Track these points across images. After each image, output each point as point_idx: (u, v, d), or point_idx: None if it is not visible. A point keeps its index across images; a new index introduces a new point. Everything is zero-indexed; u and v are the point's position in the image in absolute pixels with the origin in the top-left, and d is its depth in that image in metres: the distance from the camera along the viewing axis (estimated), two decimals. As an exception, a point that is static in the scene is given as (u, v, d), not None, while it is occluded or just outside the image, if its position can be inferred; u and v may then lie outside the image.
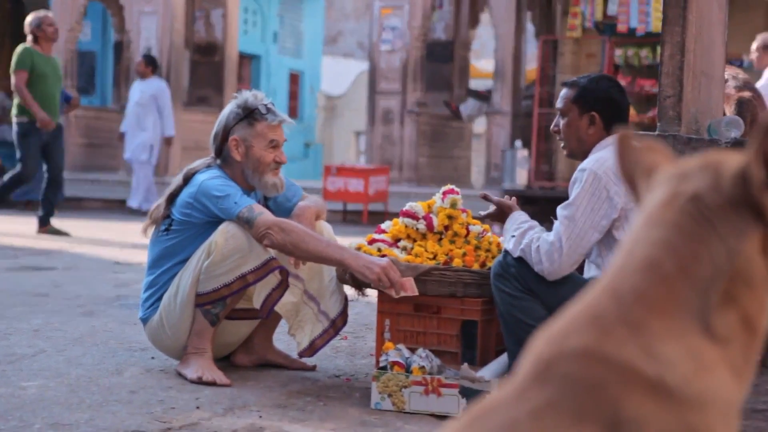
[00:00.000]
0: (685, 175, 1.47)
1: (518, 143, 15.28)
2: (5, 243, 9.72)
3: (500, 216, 4.28)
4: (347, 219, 15.12)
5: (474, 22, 18.64)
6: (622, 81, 15.01)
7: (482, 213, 4.37)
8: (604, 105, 4.17)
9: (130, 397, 3.96)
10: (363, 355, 4.99)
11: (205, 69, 18.64)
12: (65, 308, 5.99)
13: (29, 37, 10.24)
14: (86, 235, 10.82)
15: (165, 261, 4.39)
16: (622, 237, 3.88)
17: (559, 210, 4.01)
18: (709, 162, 1.47)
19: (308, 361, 4.63)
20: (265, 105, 4.43)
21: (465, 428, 1.37)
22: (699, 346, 1.38)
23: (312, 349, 4.46)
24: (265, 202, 4.58)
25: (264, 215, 4.17)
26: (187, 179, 4.39)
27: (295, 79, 27.20)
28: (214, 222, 4.26)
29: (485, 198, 4.32)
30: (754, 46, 9.76)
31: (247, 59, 24.81)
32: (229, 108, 4.45)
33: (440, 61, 18.14)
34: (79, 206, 15.97)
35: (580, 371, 1.36)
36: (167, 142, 15.03)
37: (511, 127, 16.05)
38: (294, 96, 27.23)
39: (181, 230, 4.35)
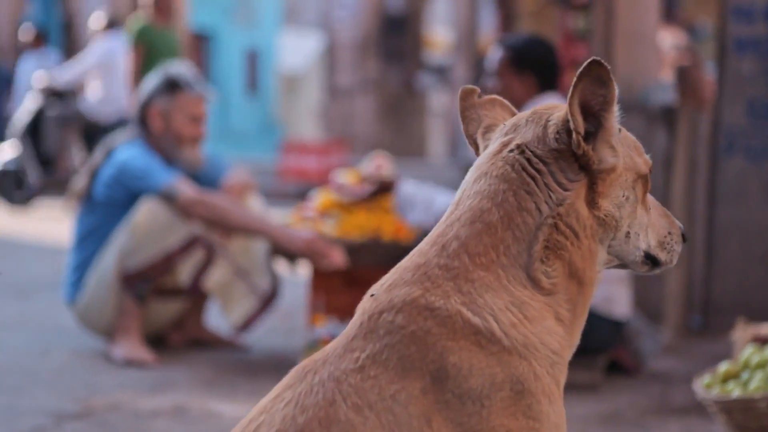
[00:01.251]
0: (515, 127, 1.50)
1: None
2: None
3: (383, 192, 4.25)
4: (305, 196, 15.07)
5: (430, -7, 18.63)
6: (580, 49, 15.04)
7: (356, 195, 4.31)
8: (538, 65, 4.16)
9: (54, 379, 3.94)
10: (298, 333, 4.99)
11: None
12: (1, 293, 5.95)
13: (143, 11, 9.57)
14: (31, 219, 10.73)
15: (89, 240, 4.37)
16: None
17: None
18: (538, 113, 1.49)
19: (243, 339, 4.62)
20: (189, 77, 4.41)
21: (296, 381, 1.40)
22: (523, 296, 1.42)
23: (245, 325, 4.45)
24: (194, 176, 4.55)
25: (186, 190, 4.16)
26: (108, 154, 4.36)
27: (251, 55, 27.05)
28: (137, 199, 4.24)
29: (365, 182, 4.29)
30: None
31: (201, 37, 24.63)
32: (153, 79, 4.43)
33: (396, 35, 18.12)
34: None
35: (404, 323, 1.39)
36: None
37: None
38: (251, 73, 27.08)
39: (104, 208, 4.32)
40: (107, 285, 4.27)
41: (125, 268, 4.22)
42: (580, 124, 1.44)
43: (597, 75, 1.44)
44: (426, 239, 1.49)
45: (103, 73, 10.92)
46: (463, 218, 1.46)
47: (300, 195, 14.90)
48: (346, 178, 4.47)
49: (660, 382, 4.07)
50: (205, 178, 4.56)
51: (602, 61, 1.44)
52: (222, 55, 25.29)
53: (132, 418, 3.50)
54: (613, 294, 3.86)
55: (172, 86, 4.36)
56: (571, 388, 3.78)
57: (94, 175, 4.38)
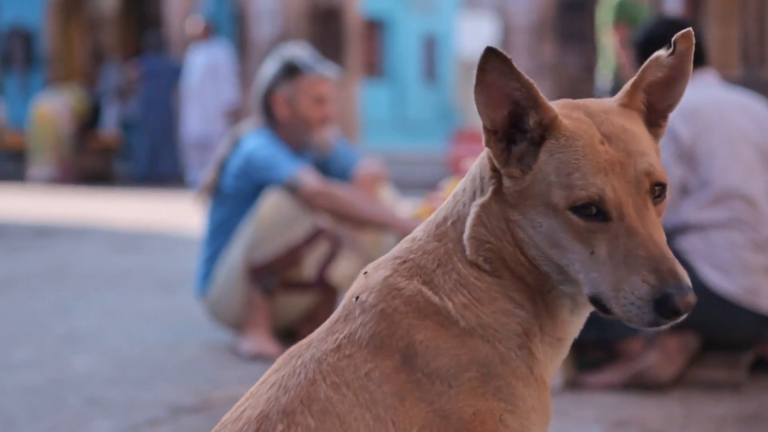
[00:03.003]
0: None
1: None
2: (108, 222, 10.06)
3: None
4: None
5: (611, -29, 18.30)
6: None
7: None
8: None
9: (178, 372, 4.08)
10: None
11: (328, 36, 18.80)
12: (145, 286, 6.20)
13: None
14: (194, 212, 11.09)
15: (219, 234, 4.49)
16: (688, 184, 3.77)
17: None
18: None
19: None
20: (308, 59, 4.47)
21: (281, 366, 1.50)
22: (470, 276, 1.46)
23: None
24: (324, 167, 4.62)
25: (310, 181, 4.23)
26: (234, 145, 4.47)
27: (429, 42, 27.19)
28: (264, 190, 4.33)
29: None
30: None
31: (376, 24, 24.94)
32: (271, 66, 4.51)
33: (577, 15, 17.88)
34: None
35: (375, 301, 1.47)
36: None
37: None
38: (429, 60, 27.24)
39: (233, 201, 4.44)
40: (235, 278, 4.39)
41: (251, 261, 4.32)
42: (487, 121, 1.45)
43: (499, 68, 1.41)
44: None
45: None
46: (436, 210, 1.56)
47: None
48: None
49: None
50: (335, 169, 4.63)
51: (496, 49, 1.40)
52: (398, 42, 25.52)
53: (247, 413, 3.58)
54: (758, 285, 3.71)
55: (291, 71, 4.43)
56: (709, 386, 3.73)
57: (222, 167, 4.50)
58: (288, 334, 4.69)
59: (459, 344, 1.42)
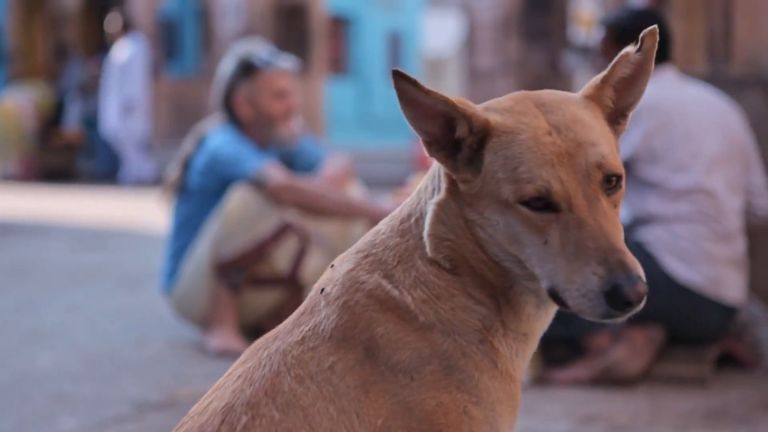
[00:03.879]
0: None
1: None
2: (73, 219, 9.99)
3: None
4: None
5: (575, -32, 18.38)
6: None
7: None
8: None
9: (144, 369, 4.06)
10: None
11: (293, 33, 18.76)
12: (110, 283, 6.16)
13: None
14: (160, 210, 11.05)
15: (185, 231, 4.47)
16: (650, 177, 3.79)
17: None
18: None
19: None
20: (264, 54, 4.45)
21: (248, 358, 1.51)
22: (429, 273, 1.47)
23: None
24: (290, 162, 4.61)
25: (275, 175, 4.21)
26: (199, 142, 4.45)
27: (394, 40, 27.21)
28: (230, 186, 4.32)
29: None
30: None
31: (340, 21, 24.92)
32: (227, 65, 4.49)
33: (541, 13, 17.94)
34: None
35: (338, 294, 1.48)
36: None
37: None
38: (394, 58, 27.25)
39: (198, 197, 4.42)
40: (201, 274, 4.37)
41: (218, 257, 4.31)
42: (422, 134, 1.47)
43: (412, 89, 1.44)
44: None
45: None
46: (399, 205, 1.56)
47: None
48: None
49: (778, 377, 3.94)
50: (302, 164, 4.62)
51: (403, 72, 1.43)
52: (363, 39, 25.51)
53: (214, 409, 3.57)
54: (722, 276, 3.74)
55: (247, 69, 4.42)
56: (676, 382, 3.75)
57: (187, 165, 4.48)
58: (255, 331, 4.68)
59: (420, 338, 1.44)
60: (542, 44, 17.86)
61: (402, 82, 1.42)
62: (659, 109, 3.81)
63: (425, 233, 1.48)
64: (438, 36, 29.26)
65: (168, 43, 21.68)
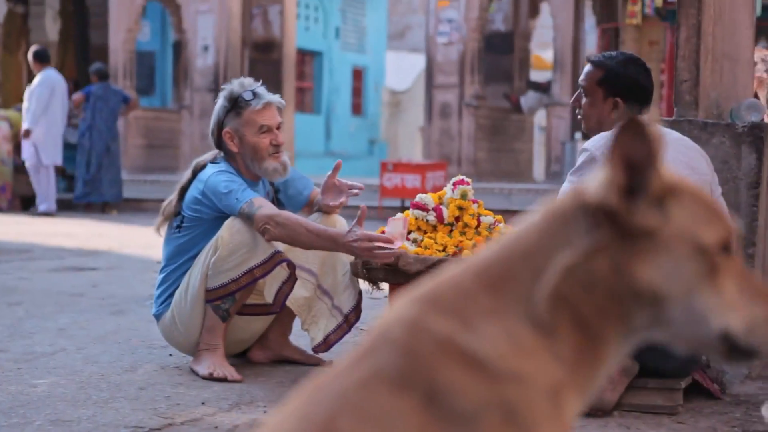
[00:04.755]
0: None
1: (578, 135, 15.18)
2: (55, 244, 9.92)
3: None
4: (405, 215, 15.12)
5: (534, 12, 18.56)
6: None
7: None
8: (629, 91, 4.09)
9: (138, 393, 4.03)
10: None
11: (264, 67, 18.80)
12: (96, 307, 6.11)
13: None
14: (138, 236, 11.00)
15: (177, 258, 4.47)
16: None
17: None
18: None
19: (324, 356, 4.66)
20: (250, 91, 4.46)
21: (304, 400, 1.42)
22: (519, 329, 1.39)
23: (326, 344, 4.50)
24: (276, 195, 4.62)
25: (263, 209, 4.21)
26: (195, 173, 4.45)
27: (358, 75, 27.28)
28: (224, 217, 4.32)
29: None
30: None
31: (309, 56, 24.96)
32: (219, 102, 4.51)
33: (499, 53, 18.09)
34: (139, 207, 16.21)
35: (403, 339, 1.39)
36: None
37: (571, 119, 15.95)
38: (358, 92, 27.32)
39: (192, 227, 4.42)
40: (193, 302, 4.36)
41: (210, 286, 4.30)
42: (618, 176, 1.39)
43: (638, 131, 1.38)
44: (466, 259, 1.50)
45: None
46: (496, 246, 1.46)
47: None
48: (428, 199, 4.49)
49: (743, 407, 3.97)
50: (290, 195, 4.64)
51: (640, 119, 1.38)
52: (329, 76, 25.53)
53: (209, 433, 3.56)
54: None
55: (234, 104, 4.44)
56: (648, 411, 3.78)
57: (182, 195, 4.47)
58: (239, 356, 4.68)
59: (484, 388, 1.36)
60: (501, 83, 17.99)
61: (634, 125, 1.37)
62: None
63: (542, 292, 1.39)
64: (400, 74, 29.38)
65: (144, 75, 21.63)
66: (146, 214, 15.38)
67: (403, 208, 15.12)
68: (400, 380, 1.37)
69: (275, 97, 4.52)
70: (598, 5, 17.26)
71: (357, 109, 26.68)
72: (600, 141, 3.94)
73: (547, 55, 24.02)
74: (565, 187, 3.91)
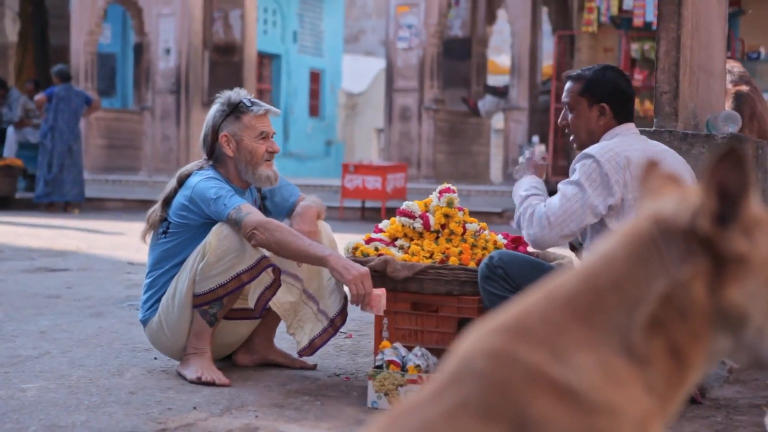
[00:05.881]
0: (667, 200, 1.46)
1: (535, 138, 15.26)
2: (23, 244, 9.79)
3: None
4: (365, 216, 15.14)
5: (491, 18, 18.62)
6: (639, 75, 14.96)
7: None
8: (612, 95, 4.09)
9: (129, 398, 3.98)
10: (365, 354, 5.00)
11: (224, 69, 18.69)
12: (74, 310, 6.04)
13: None
14: (104, 237, 10.89)
15: (164, 263, 4.42)
16: (616, 227, 3.85)
17: (560, 185, 3.99)
18: (685, 190, 1.46)
19: (309, 360, 4.64)
20: (248, 98, 4.47)
21: (388, 426, 1.37)
22: (612, 360, 1.37)
23: (311, 348, 4.48)
24: (263, 202, 4.60)
25: (251, 215, 4.18)
26: (181, 182, 4.41)
27: (315, 77, 27.21)
28: (210, 223, 4.28)
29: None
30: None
31: (267, 59, 24.85)
32: (215, 108, 4.49)
33: (458, 58, 18.12)
34: (101, 206, 16.07)
35: (491, 370, 1.36)
36: None
37: (528, 123, 16.03)
38: (315, 94, 27.23)
39: (179, 233, 4.37)
40: (180, 307, 4.31)
41: (198, 291, 4.26)
42: (713, 204, 1.38)
43: (735, 160, 1.37)
44: (543, 288, 1.47)
45: None
46: (578, 274, 1.43)
47: (361, 216, 15.00)
48: (415, 207, 4.49)
49: (724, 411, 4.01)
50: (276, 203, 4.61)
51: (739, 149, 1.37)
52: (287, 78, 25.45)
53: (205, 439, 3.53)
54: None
55: (234, 109, 4.42)
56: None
57: (168, 202, 4.43)
58: (225, 359, 4.65)
59: (575, 421, 1.33)
60: (459, 87, 18.03)
61: (736, 154, 1.36)
62: (635, 163, 3.87)
63: (640, 321, 1.37)
64: (358, 77, 29.37)
65: (105, 77, 21.42)
66: (108, 213, 15.25)
67: (363, 209, 15.12)
68: (488, 411, 1.33)
69: (272, 107, 4.52)
70: (553, 12, 17.36)
71: (314, 110, 26.61)
72: (605, 148, 3.94)
73: (503, 60, 24.13)
74: (569, 190, 3.90)
